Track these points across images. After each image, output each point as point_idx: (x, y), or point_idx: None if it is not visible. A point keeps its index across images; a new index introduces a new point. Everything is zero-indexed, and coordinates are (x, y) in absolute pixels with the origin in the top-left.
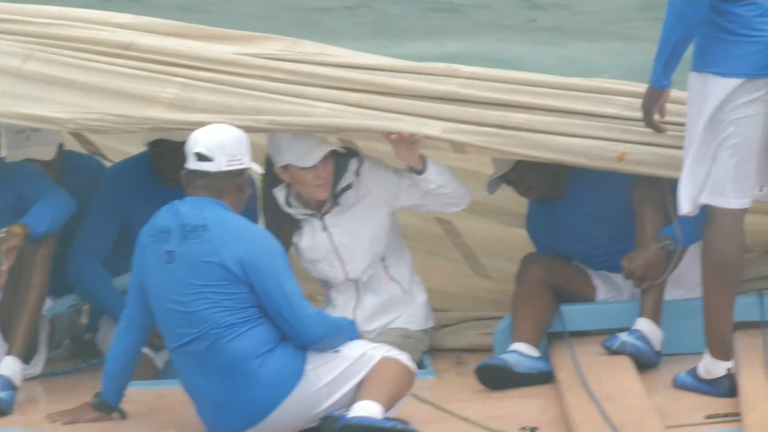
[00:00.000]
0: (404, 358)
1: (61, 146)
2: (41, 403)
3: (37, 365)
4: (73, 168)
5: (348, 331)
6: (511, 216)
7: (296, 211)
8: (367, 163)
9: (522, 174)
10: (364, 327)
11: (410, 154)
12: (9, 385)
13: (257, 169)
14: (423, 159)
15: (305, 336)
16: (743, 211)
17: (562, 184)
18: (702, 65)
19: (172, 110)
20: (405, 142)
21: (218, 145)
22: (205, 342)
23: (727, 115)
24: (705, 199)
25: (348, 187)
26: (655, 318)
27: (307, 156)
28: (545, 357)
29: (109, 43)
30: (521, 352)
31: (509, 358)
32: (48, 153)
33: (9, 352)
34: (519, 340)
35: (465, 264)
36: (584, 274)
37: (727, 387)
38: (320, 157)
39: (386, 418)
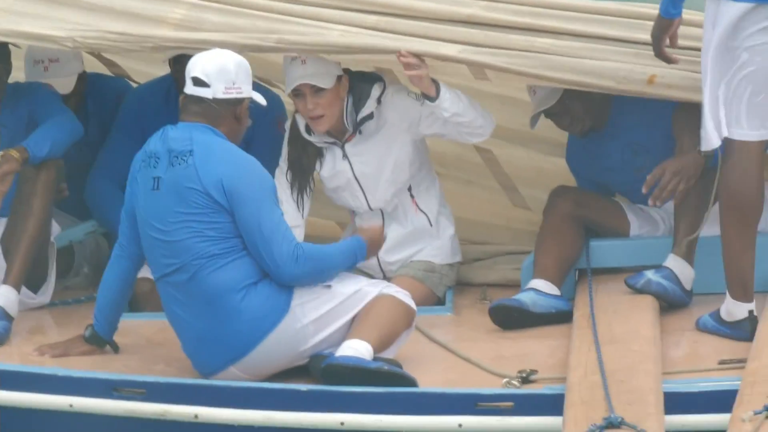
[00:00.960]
0: (402, 295)
1: (81, 76)
2: (44, 334)
3: (46, 294)
4: (99, 91)
5: (347, 255)
6: (552, 145)
7: (317, 139)
8: (390, 89)
9: (566, 107)
10: (387, 258)
11: (421, 81)
12: (3, 315)
13: (259, 99)
14: (437, 85)
15: (278, 274)
16: (761, 144)
17: (604, 115)
18: None
19: (179, 30)
20: (414, 64)
21: (217, 71)
22: (187, 273)
23: (741, 43)
24: (724, 132)
25: (369, 116)
26: (688, 255)
27: (287, 85)
28: (572, 295)
29: None
30: (539, 290)
31: (525, 297)
32: (66, 86)
33: (5, 281)
34: (539, 277)
35: (504, 194)
36: (617, 207)
37: (748, 330)
38: (293, 85)
39: (377, 358)
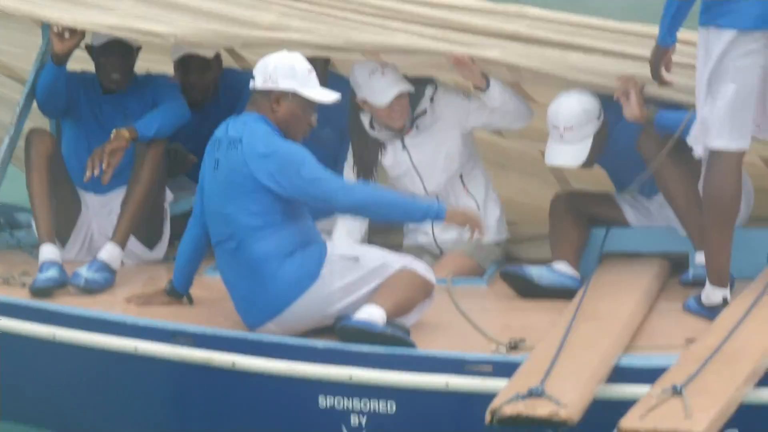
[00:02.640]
0: (422, 269)
1: (216, 69)
2: (155, 284)
3: (160, 251)
4: (232, 84)
5: (411, 202)
6: None
7: (379, 134)
8: (441, 89)
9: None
10: (441, 236)
11: (472, 74)
12: (104, 268)
13: (311, 95)
14: (486, 78)
15: (338, 206)
16: (741, 154)
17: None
18: (705, 19)
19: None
20: (466, 63)
21: (262, 66)
22: (235, 241)
23: (726, 66)
24: (707, 143)
25: (423, 112)
26: None
27: (380, 95)
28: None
29: None
30: (552, 267)
31: (533, 270)
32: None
33: (111, 239)
34: (557, 258)
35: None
36: (613, 201)
37: None
38: (392, 97)
39: (389, 323)
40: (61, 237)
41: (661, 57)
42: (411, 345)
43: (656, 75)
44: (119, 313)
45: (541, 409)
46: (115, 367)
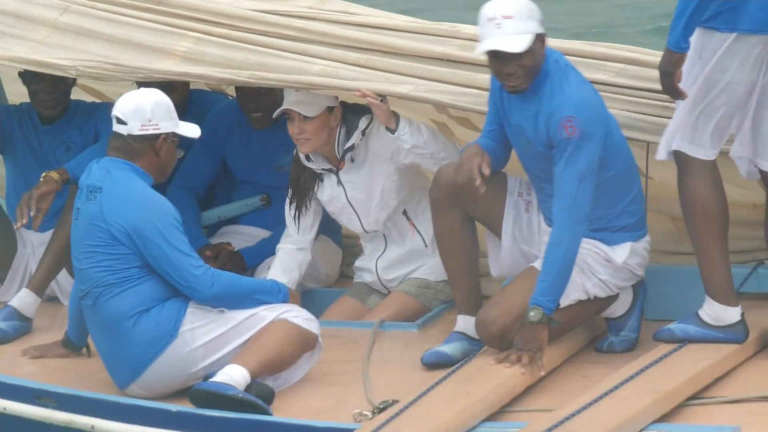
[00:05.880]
0: (301, 320)
1: (183, 92)
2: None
3: None
4: (199, 106)
5: (270, 293)
6: None
7: (315, 166)
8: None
9: None
10: (385, 276)
11: (381, 113)
12: (15, 315)
13: (189, 132)
14: (396, 118)
15: (196, 295)
16: (711, 163)
17: None
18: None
19: (182, 63)
20: (373, 102)
21: (134, 109)
22: (91, 299)
23: (721, 75)
24: (678, 146)
25: (352, 147)
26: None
27: (283, 106)
28: None
29: None
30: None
31: (447, 348)
32: None
33: (28, 285)
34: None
35: None
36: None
37: (743, 332)
38: (283, 108)
39: (255, 382)
40: None
41: (676, 64)
42: (265, 411)
43: (670, 86)
44: None
45: None
46: None
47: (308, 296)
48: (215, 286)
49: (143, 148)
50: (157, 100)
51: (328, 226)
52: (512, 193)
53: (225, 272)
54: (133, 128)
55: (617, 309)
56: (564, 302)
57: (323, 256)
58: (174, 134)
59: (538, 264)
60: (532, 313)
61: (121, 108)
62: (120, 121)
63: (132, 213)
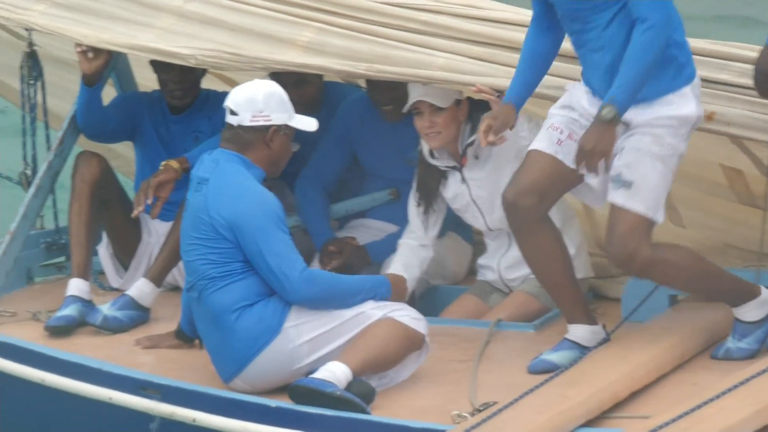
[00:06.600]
0: (408, 319)
1: (317, 85)
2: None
3: None
4: (333, 99)
5: (371, 290)
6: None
7: (439, 163)
8: None
9: None
10: (507, 275)
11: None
12: (131, 304)
13: (305, 125)
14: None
15: (289, 296)
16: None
17: None
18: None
19: (304, 54)
20: (490, 96)
21: (246, 100)
22: (196, 291)
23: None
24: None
25: (472, 142)
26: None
27: (410, 101)
28: None
29: None
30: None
31: (554, 356)
32: None
33: (146, 275)
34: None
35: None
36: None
37: None
38: (414, 101)
39: (357, 380)
40: (124, 264)
41: None
42: (362, 410)
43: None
44: (99, 359)
45: None
46: (94, 414)
47: (432, 293)
48: (311, 289)
49: (254, 140)
50: (271, 91)
51: (457, 222)
52: (557, 153)
53: (324, 273)
54: (244, 119)
55: (755, 312)
56: None
57: (451, 252)
58: (287, 126)
59: None
60: (605, 110)
61: (233, 98)
62: (232, 112)
63: (233, 207)
